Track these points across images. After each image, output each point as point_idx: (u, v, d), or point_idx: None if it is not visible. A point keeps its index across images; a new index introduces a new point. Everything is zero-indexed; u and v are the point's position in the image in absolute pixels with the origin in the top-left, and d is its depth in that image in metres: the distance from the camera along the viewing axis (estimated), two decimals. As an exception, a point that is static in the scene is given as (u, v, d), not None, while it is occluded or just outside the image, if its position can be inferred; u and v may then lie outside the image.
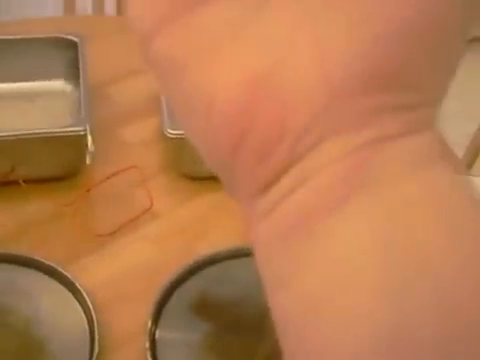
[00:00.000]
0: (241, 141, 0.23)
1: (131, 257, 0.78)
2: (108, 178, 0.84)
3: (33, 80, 1.02)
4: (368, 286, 0.21)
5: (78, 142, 0.82)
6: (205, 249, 0.77)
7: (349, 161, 0.22)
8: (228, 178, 0.25)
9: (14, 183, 0.83)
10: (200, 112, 0.24)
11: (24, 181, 0.82)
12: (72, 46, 0.99)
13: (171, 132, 0.82)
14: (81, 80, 0.90)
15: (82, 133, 0.80)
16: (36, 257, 0.73)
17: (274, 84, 0.23)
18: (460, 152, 1.25)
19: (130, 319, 0.70)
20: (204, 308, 0.71)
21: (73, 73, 1.00)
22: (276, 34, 0.23)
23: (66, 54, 1.00)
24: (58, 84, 1.02)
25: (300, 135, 0.22)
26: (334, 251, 0.22)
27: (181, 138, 0.83)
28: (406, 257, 0.21)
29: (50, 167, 0.86)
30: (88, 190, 0.83)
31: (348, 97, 0.22)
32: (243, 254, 0.76)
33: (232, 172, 0.24)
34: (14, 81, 1.01)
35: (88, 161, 0.80)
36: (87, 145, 0.79)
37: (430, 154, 0.23)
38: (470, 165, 1.25)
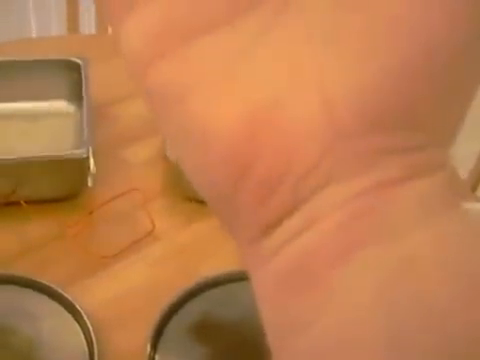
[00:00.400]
0: (240, 180, 0.22)
1: (132, 279, 0.78)
2: (110, 201, 0.84)
3: (36, 100, 1.02)
4: (371, 336, 0.21)
5: (80, 165, 0.83)
6: (207, 271, 0.77)
7: (354, 206, 0.21)
8: (226, 217, 0.24)
9: (16, 204, 0.83)
10: (197, 147, 0.23)
11: (26, 202, 0.82)
12: (75, 67, 1.00)
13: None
14: (84, 103, 0.91)
15: (84, 156, 0.80)
16: (37, 278, 0.73)
17: (275, 121, 0.21)
18: (464, 173, 1.23)
19: (130, 342, 0.69)
20: (204, 331, 0.70)
21: (76, 94, 1.01)
22: (277, 66, 0.22)
23: (69, 75, 1.01)
24: (61, 105, 1.03)
25: (303, 176, 0.21)
26: (345, 304, 0.21)
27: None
28: (411, 313, 0.20)
29: (52, 189, 0.86)
30: (90, 213, 0.83)
31: (353, 137, 0.21)
32: (245, 277, 0.76)
33: (231, 211, 0.23)
34: (17, 101, 1.02)
35: (90, 183, 0.80)
36: (89, 168, 0.79)
37: (440, 200, 0.22)
38: (474, 188, 1.23)
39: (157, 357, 0.67)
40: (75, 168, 0.84)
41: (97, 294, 0.75)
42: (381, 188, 0.21)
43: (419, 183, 0.21)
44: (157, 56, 0.23)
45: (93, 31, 1.61)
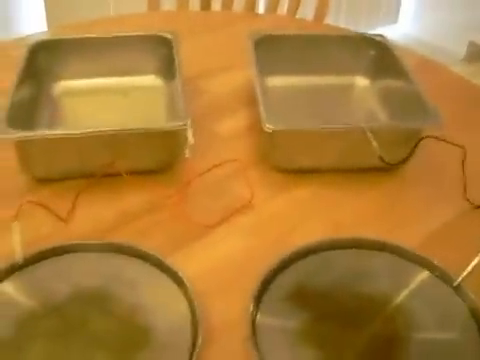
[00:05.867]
0: None
1: (229, 248, 0.80)
2: (208, 171, 0.86)
3: (126, 75, 1.05)
4: None
5: (177, 136, 0.85)
6: (301, 240, 0.77)
7: None
8: None
9: (115, 175, 0.85)
10: None
11: (125, 173, 0.85)
12: (165, 42, 1.02)
13: (269, 126, 0.83)
14: (177, 76, 0.93)
15: (184, 127, 0.82)
16: (139, 247, 0.75)
17: None
18: None
19: (229, 309, 0.70)
20: (301, 297, 0.71)
21: (164, 68, 1.03)
22: None
23: (158, 50, 1.03)
24: (150, 79, 1.06)
25: None
26: None
27: (277, 131, 0.84)
28: None
29: (149, 160, 0.88)
30: (189, 182, 0.85)
31: None
32: (340, 246, 0.77)
33: None
34: (108, 76, 1.05)
35: (188, 154, 0.81)
36: (187, 139, 0.81)
37: None
38: None
39: (258, 318, 0.68)
40: (173, 140, 0.86)
41: (194, 263, 0.77)
42: None
43: None
44: None
45: (173, 8, 1.62)
